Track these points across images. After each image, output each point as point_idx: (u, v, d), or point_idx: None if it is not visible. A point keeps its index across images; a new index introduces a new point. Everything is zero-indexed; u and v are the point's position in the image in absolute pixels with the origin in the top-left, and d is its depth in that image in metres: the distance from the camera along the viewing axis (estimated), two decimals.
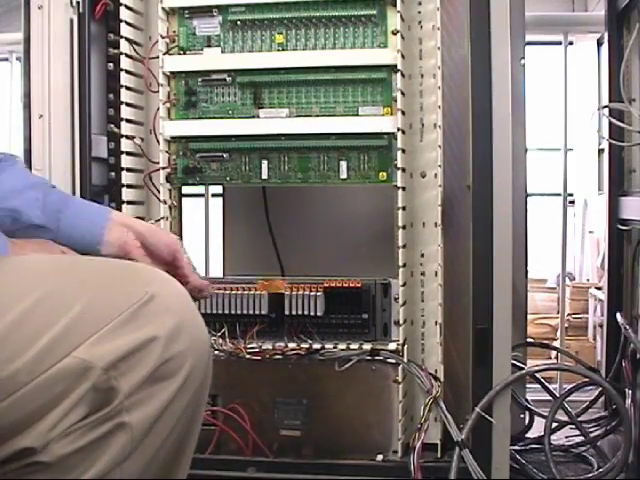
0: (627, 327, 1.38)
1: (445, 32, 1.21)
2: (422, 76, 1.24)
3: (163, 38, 1.27)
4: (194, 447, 0.72)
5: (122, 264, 0.73)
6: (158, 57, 1.27)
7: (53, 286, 0.64)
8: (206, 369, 0.69)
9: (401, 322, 1.21)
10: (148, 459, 0.64)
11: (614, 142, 1.51)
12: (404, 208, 1.22)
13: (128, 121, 1.28)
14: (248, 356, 1.21)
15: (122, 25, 1.26)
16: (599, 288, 3.47)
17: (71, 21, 1.27)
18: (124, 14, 1.27)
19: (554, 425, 1.37)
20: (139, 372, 0.62)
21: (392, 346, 1.21)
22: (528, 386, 1.51)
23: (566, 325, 3.22)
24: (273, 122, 1.24)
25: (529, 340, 1.67)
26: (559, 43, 1.88)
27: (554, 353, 2.38)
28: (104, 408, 0.60)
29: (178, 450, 0.69)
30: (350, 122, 1.22)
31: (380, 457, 1.20)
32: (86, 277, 0.67)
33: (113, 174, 1.33)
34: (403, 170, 1.22)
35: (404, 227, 1.22)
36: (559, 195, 1.88)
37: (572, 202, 4.61)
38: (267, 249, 1.49)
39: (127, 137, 1.28)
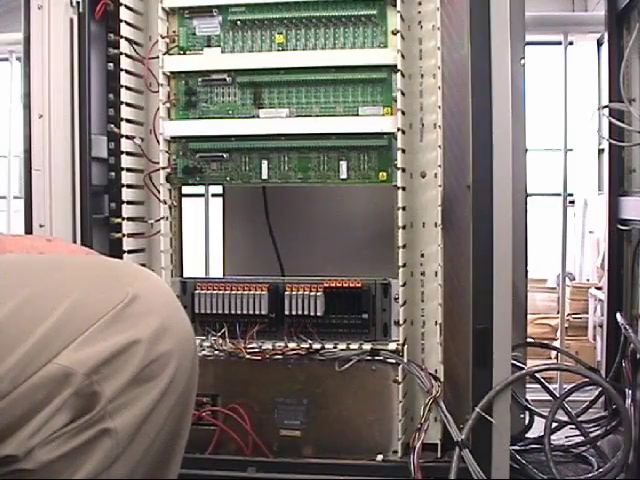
0: (627, 327, 1.38)
1: (445, 32, 1.21)
2: (422, 76, 1.24)
3: (163, 38, 1.27)
4: (184, 448, 0.71)
5: (101, 262, 0.72)
6: (158, 57, 1.27)
7: (32, 291, 0.63)
8: (192, 368, 0.68)
9: (401, 322, 1.21)
10: (135, 462, 0.63)
11: (614, 142, 1.51)
12: (404, 208, 1.22)
13: (128, 121, 1.28)
14: (248, 356, 1.21)
15: (122, 25, 1.26)
16: (599, 288, 3.47)
17: (71, 21, 1.27)
18: (124, 14, 1.27)
19: (554, 425, 1.37)
20: (122, 376, 0.61)
21: (392, 346, 1.21)
22: (528, 386, 1.51)
23: (566, 325, 3.22)
24: (273, 122, 1.24)
25: (529, 340, 1.67)
26: (559, 43, 1.88)
27: (554, 353, 2.38)
28: (87, 413, 0.59)
29: (167, 452, 0.68)
30: (350, 122, 1.22)
31: (380, 457, 1.20)
32: (65, 280, 0.66)
33: (113, 174, 1.33)
34: (403, 170, 1.22)
35: (404, 227, 1.22)
36: (559, 195, 1.88)
37: (572, 202, 4.61)
38: (267, 249, 1.49)
39: (127, 137, 1.28)
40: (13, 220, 2.14)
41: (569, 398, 1.40)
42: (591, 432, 1.42)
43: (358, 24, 1.22)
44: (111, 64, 1.33)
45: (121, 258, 1.26)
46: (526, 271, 1.50)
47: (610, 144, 1.54)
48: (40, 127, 1.28)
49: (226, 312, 1.24)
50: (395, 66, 1.19)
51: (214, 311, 1.24)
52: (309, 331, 1.23)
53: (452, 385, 1.23)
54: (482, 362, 1.16)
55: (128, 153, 1.28)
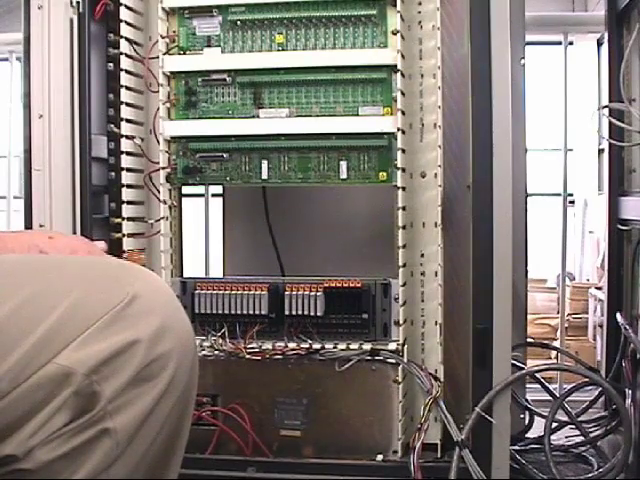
0: (627, 327, 1.38)
1: (445, 32, 1.21)
2: (422, 76, 1.24)
3: (163, 38, 1.27)
4: (184, 448, 0.71)
5: (101, 262, 0.72)
6: (158, 57, 1.27)
7: (32, 290, 0.63)
8: (192, 368, 0.68)
9: (401, 322, 1.21)
10: (135, 462, 0.63)
11: (614, 142, 1.51)
12: (404, 208, 1.22)
13: (128, 121, 1.28)
14: (248, 356, 1.21)
15: (122, 25, 1.26)
16: (599, 288, 3.47)
17: (71, 21, 1.27)
18: (124, 14, 1.27)
19: (554, 425, 1.37)
20: (122, 375, 0.61)
21: (392, 346, 1.21)
22: (528, 386, 1.51)
23: (566, 325, 3.22)
24: (273, 122, 1.24)
25: (529, 340, 1.67)
26: (559, 43, 1.88)
27: (554, 353, 2.38)
28: (87, 413, 0.59)
29: (167, 451, 0.68)
30: (350, 122, 1.22)
31: (380, 457, 1.20)
32: (66, 280, 0.66)
33: (113, 174, 1.33)
34: (403, 170, 1.22)
35: (404, 227, 1.22)
36: (559, 195, 1.88)
37: (572, 202, 4.61)
38: (267, 249, 1.49)
39: (127, 137, 1.28)
40: (13, 220, 2.14)
41: (569, 398, 1.40)
42: (591, 432, 1.42)
43: (358, 24, 1.22)
44: (111, 64, 1.33)
45: (121, 258, 1.26)
46: (526, 271, 1.50)
47: (610, 144, 1.54)
48: (40, 127, 1.28)
49: (226, 312, 1.24)
50: (395, 66, 1.19)
51: (214, 311, 1.24)
52: (309, 331, 1.23)
53: (452, 385, 1.22)
54: (482, 362, 1.16)
55: (128, 153, 1.28)
